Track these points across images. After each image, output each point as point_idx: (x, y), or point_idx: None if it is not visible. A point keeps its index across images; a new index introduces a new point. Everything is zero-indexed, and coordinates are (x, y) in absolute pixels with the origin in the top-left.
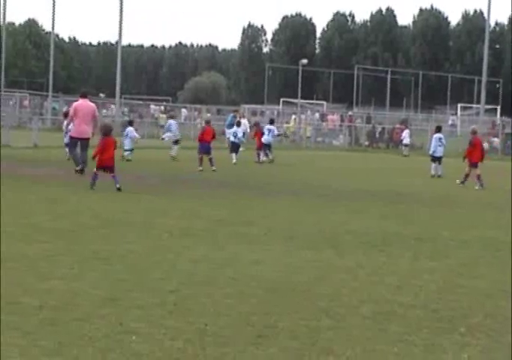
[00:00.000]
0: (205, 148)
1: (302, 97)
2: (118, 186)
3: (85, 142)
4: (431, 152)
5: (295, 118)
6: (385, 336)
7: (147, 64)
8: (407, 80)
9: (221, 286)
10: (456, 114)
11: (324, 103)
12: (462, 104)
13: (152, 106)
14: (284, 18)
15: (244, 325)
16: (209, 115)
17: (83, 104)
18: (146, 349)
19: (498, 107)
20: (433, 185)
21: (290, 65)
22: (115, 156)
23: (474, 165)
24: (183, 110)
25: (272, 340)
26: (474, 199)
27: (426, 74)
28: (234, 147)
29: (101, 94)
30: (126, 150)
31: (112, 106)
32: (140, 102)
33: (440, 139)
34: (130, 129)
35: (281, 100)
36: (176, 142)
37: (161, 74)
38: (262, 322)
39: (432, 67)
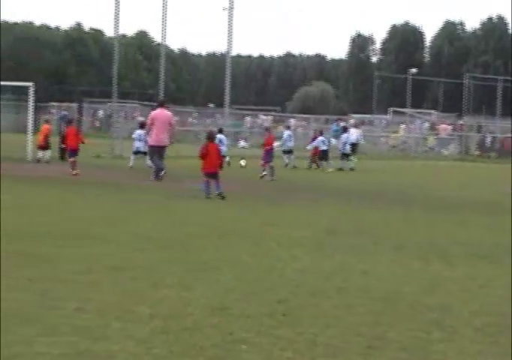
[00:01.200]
0: (270, 156)
1: (411, 106)
2: (219, 192)
3: (162, 150)
4: None
5: (404, 128)
6: (497, 349)
7: (256, 74)
8: None
9: (330, 297)
10: None
11: (434, 112)
12: None
13: (261, 116)
14: (393, 27)
15: (353, 335)
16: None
17: (160, 113)
18: (255, 358)
19: None
20: None
21: (398, 74)
22: (219, 163)
23: None
24: (292, 120)
25: (381, 352)
26: None
27: None
28: (324, 155)
29: (210, 104)
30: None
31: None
32: (249, 112)
33: None
34: (220, 136)
35: (390, 109)
36: (289, 151)
37: (269, 84)
38: (371, 332)
39: None
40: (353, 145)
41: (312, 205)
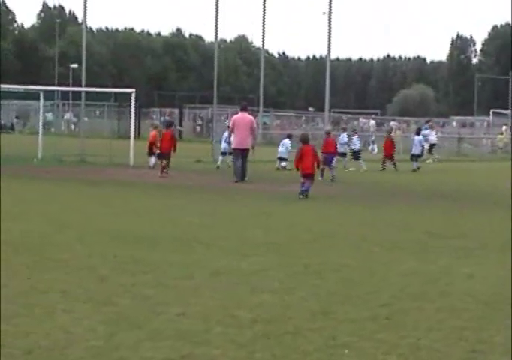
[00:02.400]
0: (328, 160)
1: None
2: (306, 193)
3: (245, 152)
4: None
5: (506, 129)
6: None
7: (355, 78)
8: None
9: (433, 300)
10: None
11: None
12: None
13: (362, 120)
14: (494, 27)
15: (457, 339)
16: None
17: (241, 117)
18: None
19: None
20: None
21: (500, 75)
22: (315, 164)
23: None
24: (392, 123)
25: (486, 356)
26: None
27: None
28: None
29: (310, 108)
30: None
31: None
32: (349, 115)
33: None
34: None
35: (491, 110)
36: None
37: (369, 87)
38: (475, 336)
39: None
40: (431, 146)
41: (409, 207)
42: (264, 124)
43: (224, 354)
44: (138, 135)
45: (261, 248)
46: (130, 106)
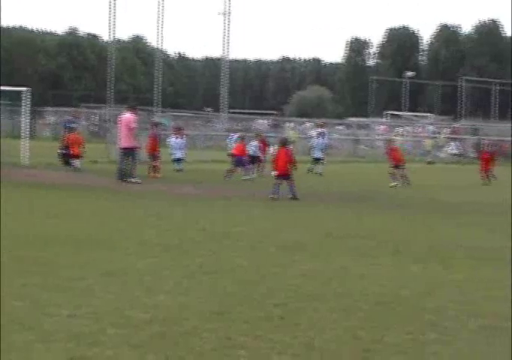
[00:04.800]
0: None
1: (408, 110)
2: (291, 196)
3: (127, 151)
4: None
5: (401, 131)
6: (493, 350)
7: (253, 79)
8: None
9: (328, 300)
10: None
11: (430, 115)
12: None
13: (259, 121)
14: (390, 30)
15: (351, 339)
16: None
17: (124, 116)
18: None
19: None
20: None
21: (395, 78)
22: (289, 165)
23: None
24: (288, 124)
25: (379, 355)
26: None
27: None
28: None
29: (207, 109)
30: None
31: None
32: (246, 116)
33: None
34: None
35: (386, 112)
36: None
37: (266, 88)
38: (369, 336)
39: None
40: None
41: (312, 208)
42: (162, 124)
43: (116, 355)
44: (31, 135)
45: (156, 249)
46: (23, 105)
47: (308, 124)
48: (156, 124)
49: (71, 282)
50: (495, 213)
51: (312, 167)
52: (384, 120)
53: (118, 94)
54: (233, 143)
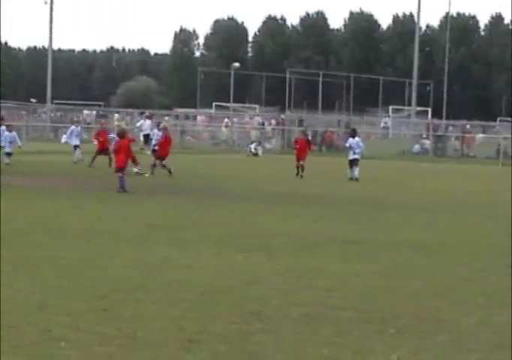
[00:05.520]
0: None
1: (235, 101)
2: (119, 189)
3: None
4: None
5: (227, 122)
6: (315, 338)
7: (79, 69)
8: (338, 83)
9: (152, 291)
10: (388, 116)
11: (257, 106)
12: (394, 106)
13: (85, 112)
14: (216, 22)
15: (175, 329)
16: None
17: None
18: (75, 355)
19: (429, 109)
20: (361, 189)
21: (222, 69)
22: (127, 158)
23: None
24: (116, 115)
25: (203, 345)
26: (402, 202)
27: (358, 77)
28: None
29: (32, 100)
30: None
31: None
32: (72, 107)
33: (356, 142)
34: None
35: (214, 104)
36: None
37: (92, 79)
38: (193, 326)
39: (363, 69)
40: (145, 136)
41: (134, 200)
42: None
43: None
44: None
45: None
46: None
47: (136, 115)
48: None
49: None
50: (317, 204)
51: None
52: (211, 111)
53: None
54: (73, 136)
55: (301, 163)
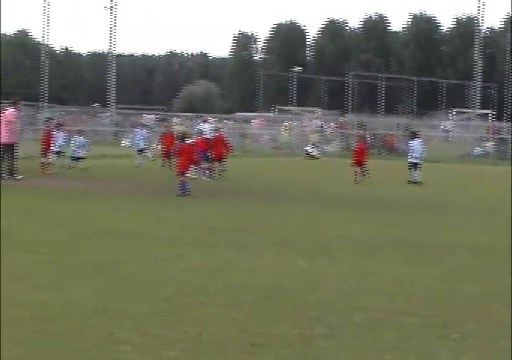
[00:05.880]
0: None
1: (295, 104)
2: (180, 192)
3: (5, 147)
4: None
5: (287, 125)
6: (378, 343)
7: (140, 74)
8: (399, 86)
9: (214, 294)
10: (449, 119)
11: (317, 109)
12: (456, 109)
13: (147, 116)
14: (277, 25)
15: (237, 332)
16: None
17: (4, 112)
18: (139, 358)
19: (492, 112)
20: (422, 192)
21: (282, 72)
22: (189, 162)
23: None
24: (176, 119)
25: (265, 348)
26: (462, 205)
27: (419, 80)
28: None
29: (94, 104)
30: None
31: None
32: (134, 111)
33: (418, 145)
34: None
35: (274, 107)
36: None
37: (154, 83)
38: (255, 329)
39: (424, 72)
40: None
41: (198, 204)
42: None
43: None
44: None
45: (41, 245)
46: None
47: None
48: (50, 120)
49: None
50: (377, 207)
51: None
52: (271, 115)
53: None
54: (140, 140)
55: (359, 168)
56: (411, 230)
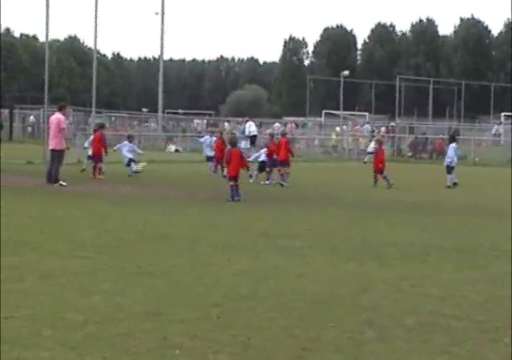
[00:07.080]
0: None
1: (344, 109)
2: (229, 198)
3: (55, 153)
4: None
5: (338, 130)
6: (429, 347)
7: (189, 79)
8: (449, 90)
9: (264, 300)
10: (499, 123)
11: (367, 114)
12: (506, 113)
13: (196, 121)
14: (325, 30)
15: (287, 338)
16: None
17: (53, 117)
18: None
19: None
20: (468, 195)
21: (331, 77)
22: (239, 167)
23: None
24: (226, 124)
25: (315, 354)
26: (509, 209)
27: (469, 84)
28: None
29: (144, 109)
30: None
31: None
32: (183, 116)
33: (451, 149)
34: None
35: (323, 112)
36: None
37: (202, 88)
38: (305, 335)
39: (474, 76)
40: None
41: (246, 209)
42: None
43: (53, 357)
44: None
45: (92, 250)
46: None
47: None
48: (102, 126)
49: (8, 284)
50: (423, 212)
51: None
52: (321, 119)
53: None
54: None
55: (379, 176)
56: (457, 234)
